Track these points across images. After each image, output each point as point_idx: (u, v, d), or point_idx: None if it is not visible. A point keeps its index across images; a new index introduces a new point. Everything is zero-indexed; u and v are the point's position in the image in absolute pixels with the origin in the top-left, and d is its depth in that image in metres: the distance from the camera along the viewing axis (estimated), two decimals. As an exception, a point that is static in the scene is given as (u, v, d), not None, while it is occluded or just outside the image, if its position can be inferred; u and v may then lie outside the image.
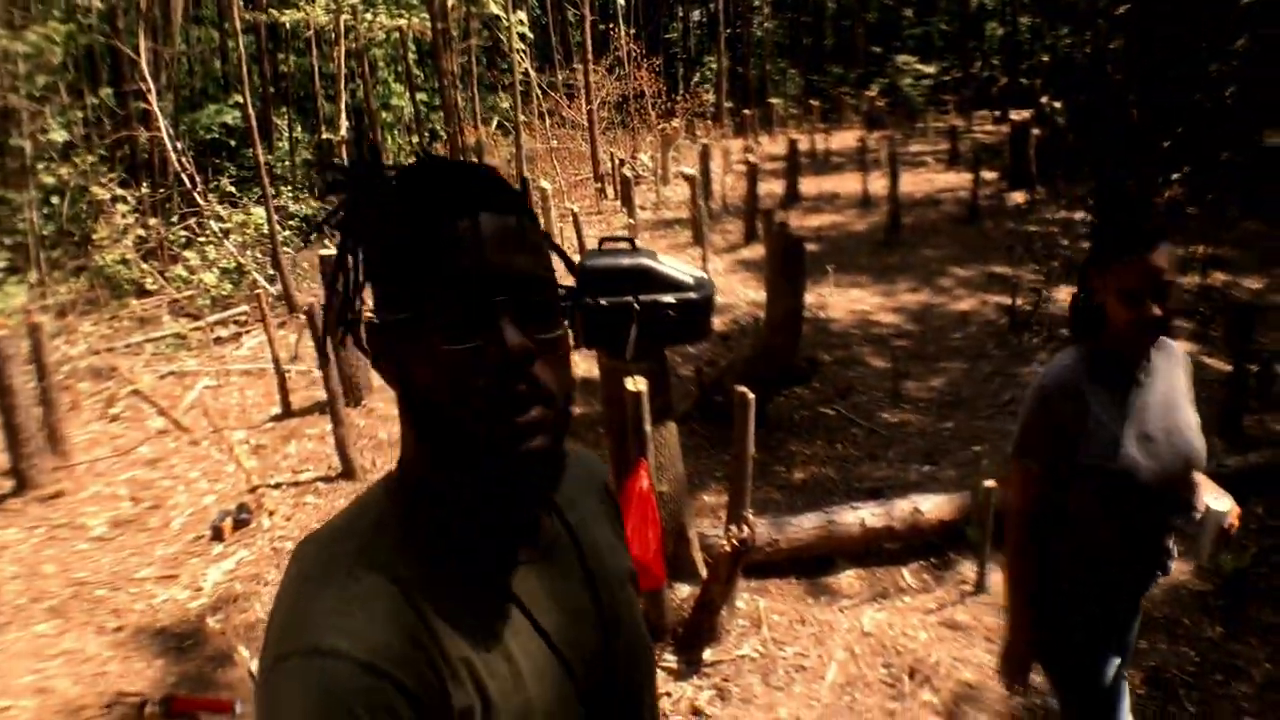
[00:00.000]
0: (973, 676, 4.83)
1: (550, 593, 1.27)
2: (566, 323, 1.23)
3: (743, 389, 5.19)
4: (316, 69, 23.73)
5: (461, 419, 1.13)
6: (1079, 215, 15.43)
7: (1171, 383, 2.87)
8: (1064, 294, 11.35)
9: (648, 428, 4.80)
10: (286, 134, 26.01)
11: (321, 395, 9.44)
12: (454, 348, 1.12)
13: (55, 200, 18.85)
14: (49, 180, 17.77)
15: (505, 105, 25.99)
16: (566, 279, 1.31)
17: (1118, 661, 3.03)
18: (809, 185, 19.16)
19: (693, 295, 4.87)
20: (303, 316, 11.73)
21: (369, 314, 1.22)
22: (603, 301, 4.85)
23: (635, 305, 4.79)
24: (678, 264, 5.10)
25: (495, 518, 1.23)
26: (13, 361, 8.00)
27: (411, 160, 1.24)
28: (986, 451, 7.44)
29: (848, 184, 19.11)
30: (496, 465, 1.14)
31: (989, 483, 5.43)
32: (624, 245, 5.06)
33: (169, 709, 3.68)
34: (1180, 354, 2.94)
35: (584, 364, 8.29)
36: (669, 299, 4.84)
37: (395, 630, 1.08)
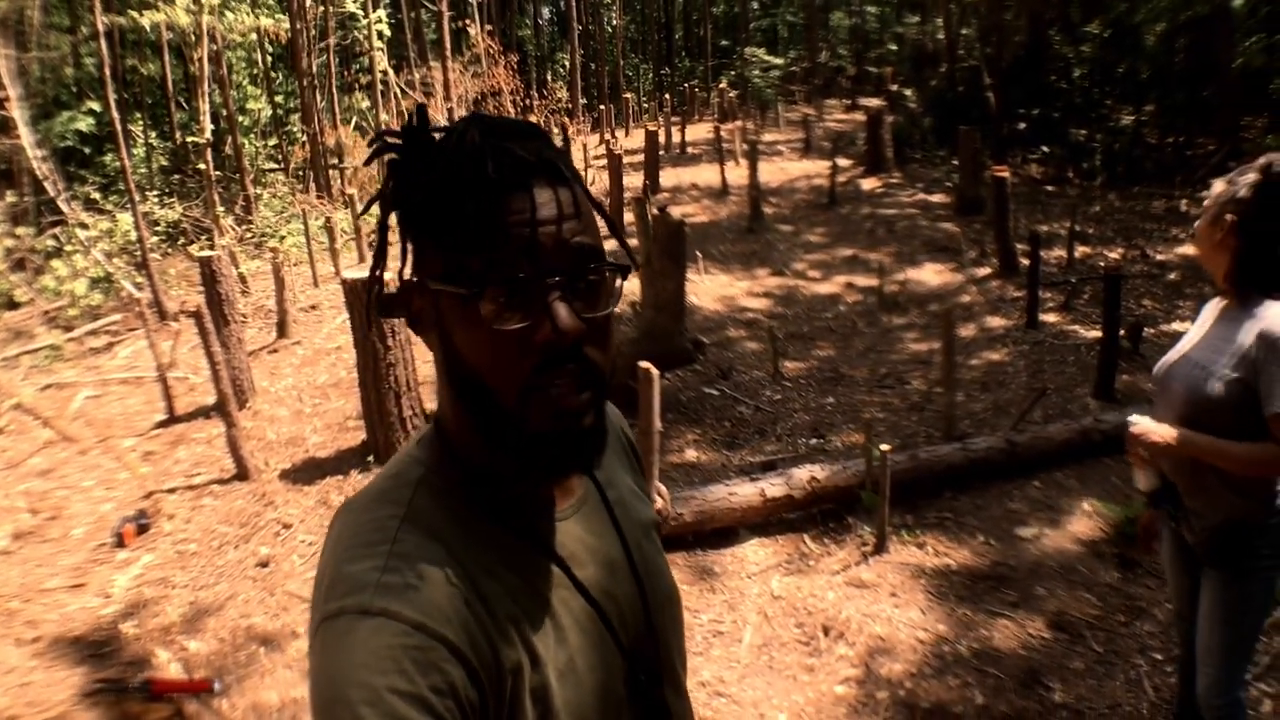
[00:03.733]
0: (883, 630, 5.01)
1: (585, 547, 1.29)
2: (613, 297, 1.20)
3: (646, 364, 5.31)
4: (169, 73, 23.22)
5: (505, 398, 1.12)
6: (936, 198, 15.90)
7: None
8: (926, 273, 11.74)
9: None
10: (142, 140, 25.40)
11: (204, 400, 9.34)
12: (503, 328, 1.10)
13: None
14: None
15: (363, 105, 25.74)
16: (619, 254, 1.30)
17: None
18: (668, 177, 19.34)
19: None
20: (175, 324, 11.53)
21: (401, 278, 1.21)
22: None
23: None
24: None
25: (533, 486, 1.24)
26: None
27: (459, 121, 1.17)
28: (872, 422, 7.68)
29: (705, 174, 19.36)
30: (538, 445, 1.14)
31: (884, 447, 5.63)
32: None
33: (149, 691, 3.66)
34: None
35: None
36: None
37: (444, 590, 1.08)
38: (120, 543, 6.90)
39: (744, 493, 6.14)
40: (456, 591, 1.09)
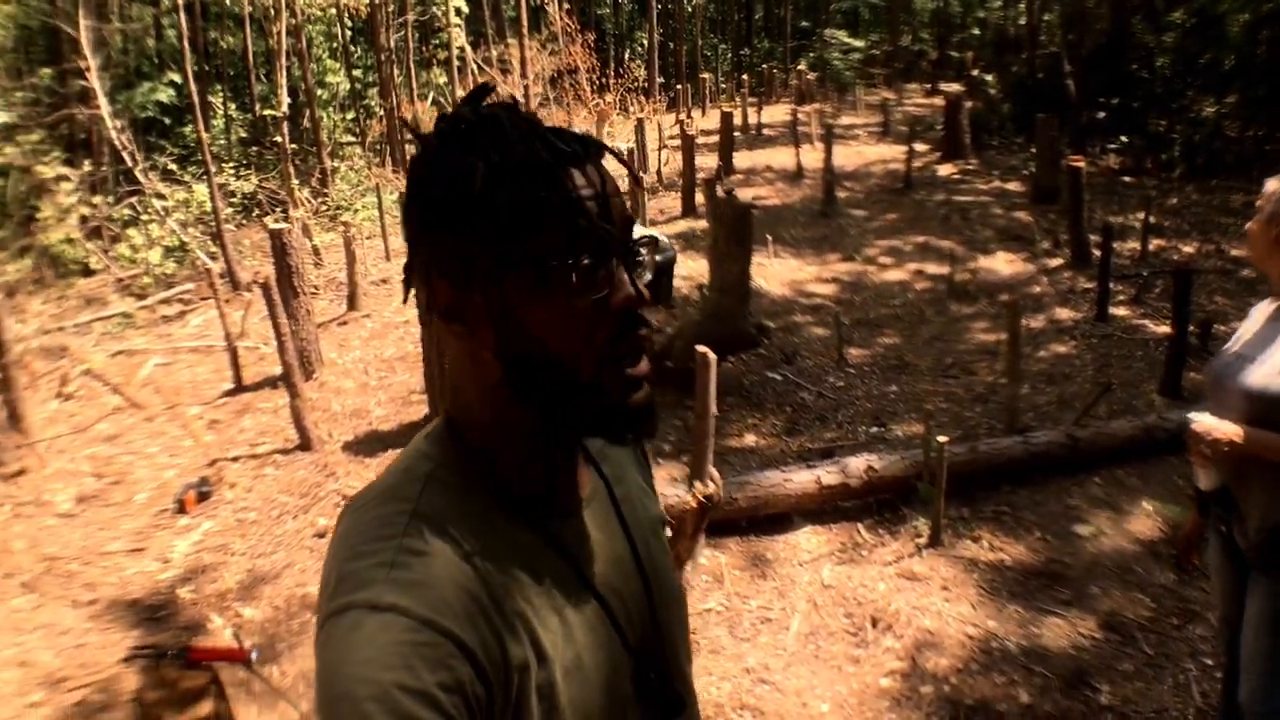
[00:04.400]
0: (932, 624, 4.97)
1: (593, 544, 1.29)
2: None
3: (703, 349, 5.31)
4: (250, 46, 23.50)
5: (583, 373, 1.15)
6: (1011, 186, 15.70)
7: None
8: (998, 262, 11.60)
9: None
10: (221, 112, 25.72)
11: (272, 370, 9.46)
12: (584, 301, 1.12)
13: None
14: (-8, 161, 17.55)
15: (441, 81, 25.90)
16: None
17: None
18: (742, 159, 19.22)
19: (655, 258, 4.97)
20: (247, 294, 11.70)
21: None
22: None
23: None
24: (639, 227, 5.19)
25: (563, 470, 1.27)
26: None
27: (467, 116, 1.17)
28: (934, 412, 7.61)
29: (780, 157, 19.23)
30: (617, 415, 1.18)
31: (941, 438, 5.58)
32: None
33: (186, 658, 3.71)
34: None
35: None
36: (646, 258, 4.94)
37: (453, 587, 1.08)
38: (182, 509, 7.03)
39: (799, 480, 6.12)
40: (465, 588, 1.09)
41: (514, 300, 1.14)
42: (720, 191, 9.08)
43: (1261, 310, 3.11)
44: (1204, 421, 2.96)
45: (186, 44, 15.28)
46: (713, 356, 5.28)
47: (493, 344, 1.17)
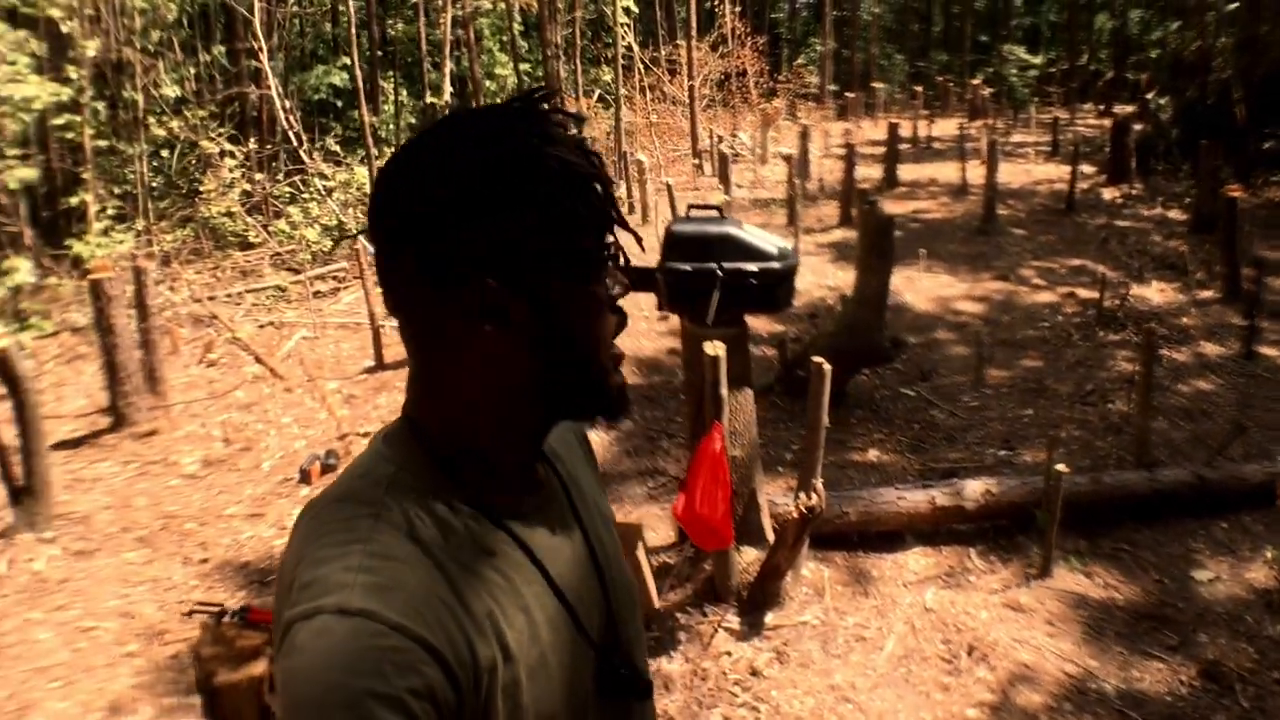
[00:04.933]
0: (1030, 658, 4.87)
1: (550, 541, 1.29)
2: None
3: (819, 360, 5.26)
4: (424, 35, 24.00)
5: (603, 364, 1.25)
6: (1173, 213, 15.20)
7: None
8: (1150, 291, 11.24)
9: (724, 392, 4.89)
10: (392, 98, 26.29)
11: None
12: (605, 293, 1.22)
13: (165, 153, 19.29)
14: (160, 133, 18.18)
15: (607, 78, 26.10)
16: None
17: None
18: (908, 171, 18.97)
19: (775, 265, 4.93)
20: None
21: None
22: (687, 267, 4.94)
23: (719, 271, 4.87)
24: (763, 234, 5.16)
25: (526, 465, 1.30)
26: (116, 303, 8.26)
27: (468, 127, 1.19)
28: (1065, 439, 7.43)
29: (946, 171, 18.92)
30: (617, 397, 1.28)
31: (1060, 467, 5.45)
32: (711, 213, 5.15)
33: (245, 619, 3.83)
34: None
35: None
36: (752, 267, 4.91)
37: (421, 590, 1.08)
38: (305, 479, 7.21)
39: (912, 498, 6.03)
40: (433, 590, 1.09)
41: (557, 296, 1.18)
42: (866, 201, 9.00)
43: None
44: None
45: (353, 30, 15.65)
46: (827, 368, 5.24)
47: (528, 342, 1.19)
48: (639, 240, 1.24)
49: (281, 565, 1.17)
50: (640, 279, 5.26)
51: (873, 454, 7.48)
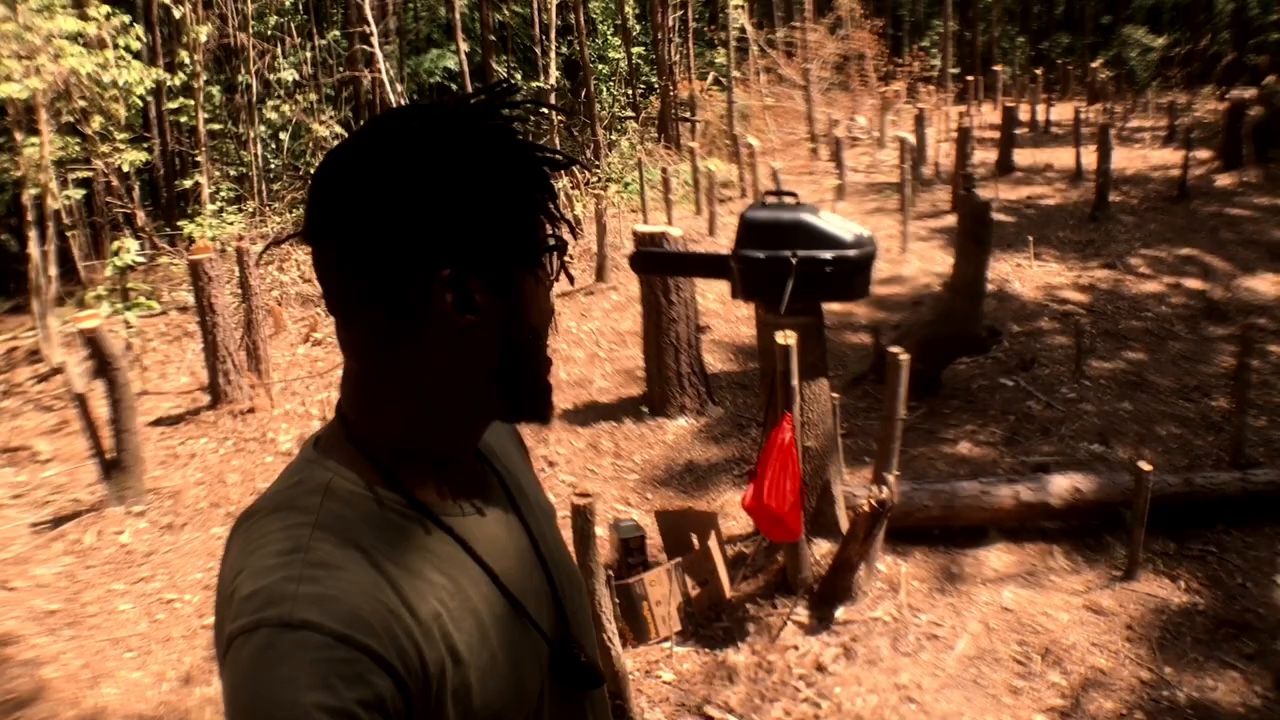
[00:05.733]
0: (1106, 663, 4.72)
1: (494, 539, 1.28)
2: None
3: (897, 350, 5.15)
4: (538, 17, 24.12)
5: (542, 358, 1.28)
6: (1289, 202, 14.67)
7: None
8: (1261, 283, 10.84)
9: (795, 382, 4.82)
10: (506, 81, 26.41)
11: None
12: (546, 286, 1.26)
13: (282, 135, 19.66)
14: (273, 117, 18.52)
15: (721, 60, 25.96)
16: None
17: None
18: (1024, 156, 18.57)
19: (851, 253, 4.85)
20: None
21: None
22: (760, 254, 4.87)
23: (792, 260, 4.79)
24: (841, 221, 5.08)
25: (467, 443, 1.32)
26: (216, 284, 8.42)
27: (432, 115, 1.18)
28: (1164, 437, 7.20)
29: (1062, 156, 18.45)
30: (544, 398, 1.29)
31: (1144, 464, 5.26)
32: (789, 199, 5.07)
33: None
34: None
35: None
36: (827, 255, 4.83)
37: (365, 598, 1.06)
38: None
39: (997, 494, 5.88)
40: (378, 598, 1.08)
41: (523, 290, 1.21)
42: (966, 189, 8.82)
43: None
44: None
45: (457, 15, 15.79)
46: (905, 358, 5.11)
47: (498, 336, 1.20)
48: (574, 230, 1.25)
49: (220, 576, 1.15)
50: (715, 266, 5.23)
51: (964, 446, 7.32)
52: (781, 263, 4.82)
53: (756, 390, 8.26)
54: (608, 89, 25.10)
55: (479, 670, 1.15)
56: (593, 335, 10.17)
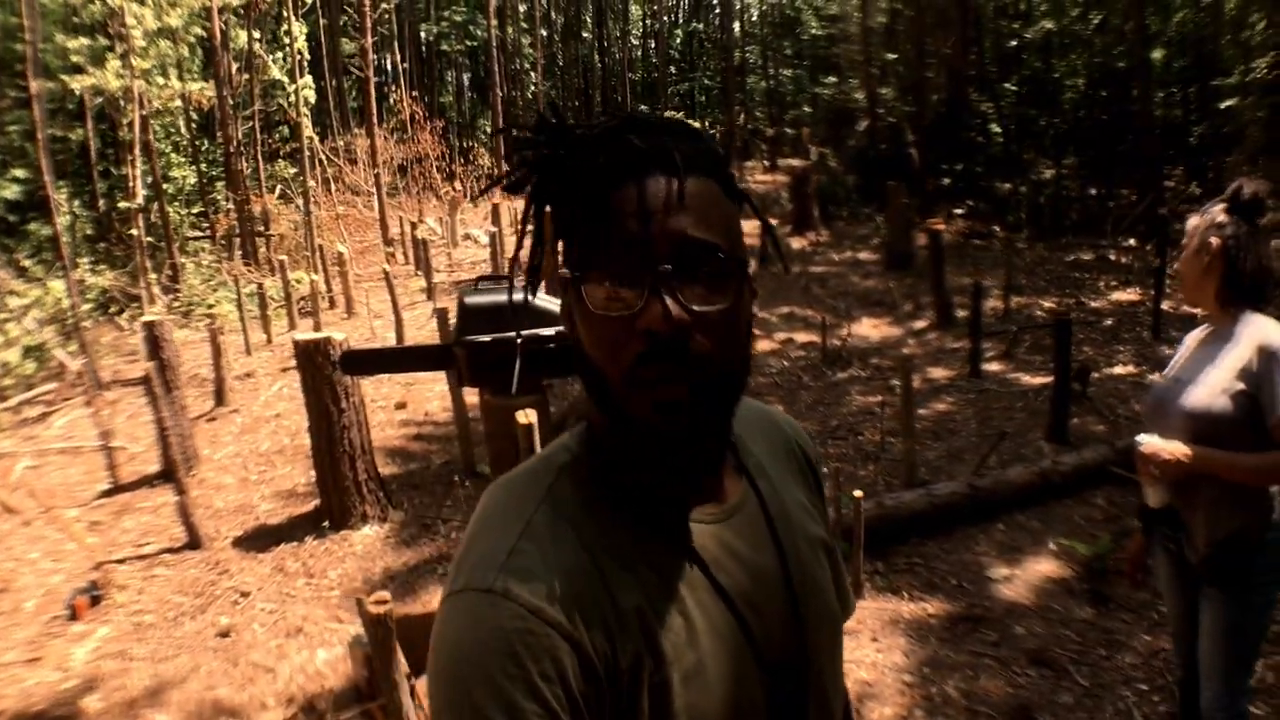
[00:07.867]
0: (869, 675, 5.03)
1: (734, 554, 1.25)
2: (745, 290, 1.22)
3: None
4: (92, 141, 22.96)
5: (614, 385, 1.15)
6: (864, 255, 16.13)
7: None
8: (865, 328, 11.89)
9: (540, 457, 4.86)
10: (65, 208, 24.91)
11: (145, 469, 9.24)
12: (607, 314, 1.12)
13: None
14: None
15: (288, 173, 25.61)
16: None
17: None
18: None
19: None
20: (108, 394, 11.38)
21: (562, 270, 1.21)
22: (485, 338, 4.92)
23: (518, 340, 4.87)
24: (553, 300, 5.21)
25: (656, 475, 1.23)
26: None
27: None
28: (827, 474, 7.72)
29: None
30: (642, 436, 1.15)
31: (857, 493, 5.65)
32: (499, 284, 5.15)
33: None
34: None
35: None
36: (549, 332, 4.93)
37: (568, 577, 1.10)
38: (74, 615, 6.73)
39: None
40: (581, 579, 1.12)
41: (572, 302, 1.20)
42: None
43: (1194, 337, 3.31)
44: (1152, 443, 3.10)
45: (39, 136, 14.88)
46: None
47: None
48: (641, 243, 1.12)
49: (465, 534, 1.23)
50: (436, 357, 5.22)
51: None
52: (507, 344, 4.88)
53: (431, 489, 8.25)
54: (174, 209, 24.22)
55: (683, 672, 1.15)
56: (236, 459, 9.77)
